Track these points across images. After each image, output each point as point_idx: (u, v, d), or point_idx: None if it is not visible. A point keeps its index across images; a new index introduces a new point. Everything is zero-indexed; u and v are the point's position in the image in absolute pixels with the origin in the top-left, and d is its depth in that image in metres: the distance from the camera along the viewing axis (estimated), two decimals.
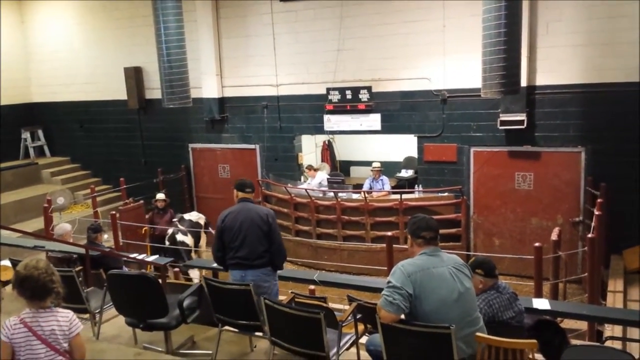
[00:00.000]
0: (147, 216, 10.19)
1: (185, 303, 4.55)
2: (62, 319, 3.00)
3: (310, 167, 11.35)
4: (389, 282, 3.53)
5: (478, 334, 3.50)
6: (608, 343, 4.29)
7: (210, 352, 4.65)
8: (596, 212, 7.51)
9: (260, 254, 4.79)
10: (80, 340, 3.03)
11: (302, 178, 11.66)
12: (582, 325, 6.06)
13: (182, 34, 9.51)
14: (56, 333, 2.95)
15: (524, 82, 8.68)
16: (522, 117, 9.15)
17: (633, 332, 5.50)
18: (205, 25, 11.61)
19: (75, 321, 3.04)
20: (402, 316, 3.49)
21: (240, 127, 12.01)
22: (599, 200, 7.96)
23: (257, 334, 4.69)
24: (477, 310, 3.74)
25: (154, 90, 12.16)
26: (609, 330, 5.84)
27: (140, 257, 6.95)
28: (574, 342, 5.22)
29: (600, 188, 8.45)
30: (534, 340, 3.38)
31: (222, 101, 11.98)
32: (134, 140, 13.15)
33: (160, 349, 4.79)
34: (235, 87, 11.85)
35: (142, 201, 11.03)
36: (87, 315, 4.99)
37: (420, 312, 3.48)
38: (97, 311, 4.98)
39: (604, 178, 8.64)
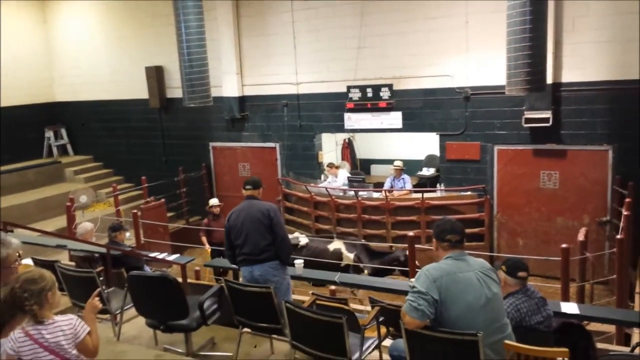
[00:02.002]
0: (204, 222, 9.55)
1: (206, 304, 4.52)
2: (67, 327, 2.92)
3: (331, 165, 11.27)
4: (413, 287, 3.44)
5: (506, 341, 3.40)
6: (638, 350, 4.12)
7: (230, 354, 4.61)
8: (624, 212, 7.31)
9: (264, 248, 4.82)
10: (88, 342, 2.97)
11: (322, 177, 11.59)
12: (609, 328, 5.88)
13: (202, 32, 9.49)
14: (62, 344, 2.88)
15: (549, 79, 8.49)
16: (547, 114, 8.96)
17: None
18: (225, 24, 11.60)
19: (79, 325, 2.96)
20: (427, 322, 3.41)
21: (260, 126, 11.99)
22: (627, 199, 7.74)
23: (277, 336, 4.63)
24: (505, 316, 3.63)
25: (175, 89, 12.21)
26: (637, 333, 5.66)
27: (162, 256, 6.95)
28: (601, 345, 5.08)
29: (628, 187, 8.23)
30: (566, 349, 3.26)
31: (243, 100, 11.97)
32: (155, 139, 13.22)
33: (180, 351, 4.77)
34: (255, 86, 11.83)
35: (163, 200, 11.08)
36: (107, 316, 4.98)
37: (446, 318, 3.38)
38: (117, 312, 4.97)
39: (632, 177, 8.40)
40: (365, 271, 8.05)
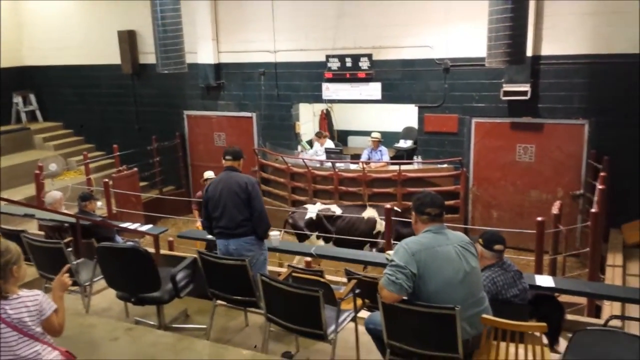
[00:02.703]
0: (197, 194, 8.78)
1: (179, 277, 4.41)
2: (32, 304, 2.77)
3: (320, 134, 11.14)
4: (392, 260, 3.39)
5: (484, 315, 3.38)
6: (611, 322, 4.18)
7: (204, 326, 4.53)
8: (599, 186, 7.36)
9: (240, 222, 4.69)
10: (54, 320, 2.83)
11: (299, 147, 11.45)
12: (581, 300, 5.98)
13: None
14: (25, 320, 2.74)
15: (529, 52, 8.42)
16: (526, 87, 8.94)
17: (632, 309, 5.41)
18: None
19: (45, 302, 2.81)
20: (405, 296, 3.37)
21: (236, 95, 11.73)
22: (602, 173, 7.80)
23: (252, 309, 4.56)
24: (482, 290, 3.62)
25: (148, 54, 11.82)
26: (608, 305, 5.76)
27: (134, 226, 6.78)
28: (572, 317, 5.16)
29: (604, 162, 8.30)
30: (543, 324, 3.26)
31: (218, 67, 11.67)
32: (127, 106, 12.86)
33: (152, 323, 4.67)
34: (231, 53, 11.53)
35: (135, 169, 10.83)
36: (76, 288, 4.84)
37: (424, 292, 3.35)
38: (87, 284, 4.83)
39: (607, 151, 8.47)
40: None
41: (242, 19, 11.28)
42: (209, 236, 5.34)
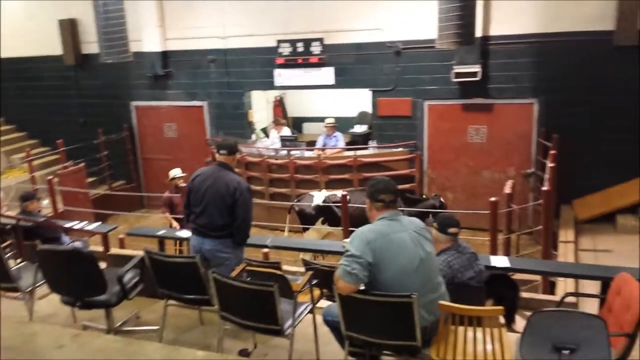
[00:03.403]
0: (165, 195, 8.05)
1: (126, 277, 4.20)
2: None
3: (277, 121, 10.92)
4: (347, 250, 3.31)
5: (441, 301, 3.35)
6: (567, 299, 4.23)
7: (156, 327, 4.35)
8: (549, 164, 7.49)
9: (220, 226, 4.41)
10: None
11: (254, 136, 11.23)
12: (535, 277, 6.07)
13: None
14: None
15: (478, 33, 8.45)
16: (476, 68, 8.98)
17: (585, 284, 5.54)
18: None
19: None
20: (362, 286, 3.29)
21: (186, 83, 11.39)
22: (551, 151, 7.94)
23: (206, 307, 4.41)
24: (439, 275, 3.58)
25: (91, 44, 11.27)
26: (562, 282, 5.88)
27: (80, 225, 6.49)
28: (527, 295, 5.23)
29: (553, 139, 8.45)
30: (501, 307, 3.25)
31: (165, 55, 11.28)
32: (71, 99, 12.30)
33: (102, 327, 4.46)
34: (179, 40, 11.16)
35: (82, 164, 10.40)
36: (18, 294, 4.56)
37: (380, 280, 3.30)
38: (29, 289, 4.55)
39: (556, 129, 8.62)
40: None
41: (189, 4, 10.92)
42: (161, 232, 5.15)
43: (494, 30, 8.99)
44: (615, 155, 8.50)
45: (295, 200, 8.45)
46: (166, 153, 11.44)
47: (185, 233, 5.59)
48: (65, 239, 6.13)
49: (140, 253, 4.46)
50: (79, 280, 4.06)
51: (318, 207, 7.98)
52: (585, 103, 8.60)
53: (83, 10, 11.10)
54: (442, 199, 8.03)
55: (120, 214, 9.84)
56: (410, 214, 7.64)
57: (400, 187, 8.38)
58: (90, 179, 10.98)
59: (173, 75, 11.39)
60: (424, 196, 8.34)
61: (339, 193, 7.91)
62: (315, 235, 7.91)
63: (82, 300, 4.11)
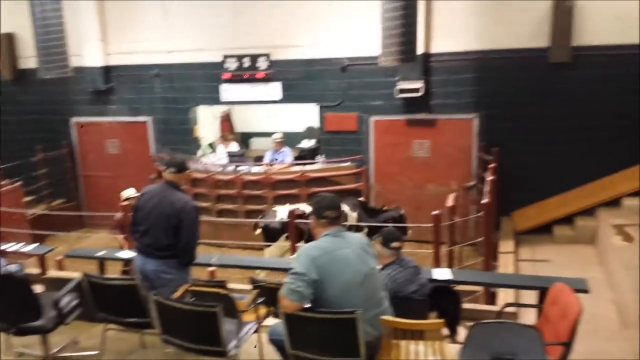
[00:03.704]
0: (116, 217, 7.55)
1: (63, 302, 4.04)
2: None
3: (225, 136, 10.78)
4: (292, 268, 3.31)
5: (384, 316, 3.39)
6: (506, 309, 4.37)
7: (96, 352, 4.20)
8: (489, 177, 7.74)
9: (164, 247, 4.30)
10: None
11: (200, 151, 11.09)
12: (477, 287, 6.24)
13: None
14: None
15: (420, 50, 8.68)
16: (418, 84, 9.21)
17: (524, 294, 5.73)
18: None
19: None
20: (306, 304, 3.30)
21: (129, 98, 11.13)
22: (491, 165, 8.21)
23: (148, 330, 4.28)
24: (382, 290, 3.63)
25: (29, 59, 10.87)
26: (503, 292, 6.06)
27: (16, 247, 6.21)
28: (469, 305, 5.37)
29: (493, 153, 8.74)
30: (441, 321, 3.32)
31: (107, 70, 11.02)
32: (7, 116, 11.74)
33: (38, 354, 4.26)
34: (122, 55, 10.91)
35: (19, 183, 9.96)
36: None
37: (325, 297, 3.32)
38: None
39: (495, 143, 8.93)
40: (365, 229, 7.85)
41: (132, 18, 10.73)
42: (101, 253, 5.00)
43: (435, 48, 9.26)
44: (551, 167, 8.87)
45: (259, 217, 8.35)
46: (108, 170, 11.13)
47: (128, 254, 5.44)
48: (2, 261, 5.82)
49: (78, 275, 4.30)
50: (13, 306, 3.87)
51: (282, 223, 7.89)
52: (523, 118, 8.95)
53: (21, 24, 10.71)
54: (401, 211, 8.19)
55: (60, 234, 9.46)
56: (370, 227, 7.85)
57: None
58: (27, 198, 10.52)
59: (116, 90, 11.13)
60: (384, 208, 8.48)
61: (303, 207, 7.92)
62: (277, 251, 7.75)
63: (16, 326, 3.92)
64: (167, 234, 4.29)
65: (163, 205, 4.32)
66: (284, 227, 7.80)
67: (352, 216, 8.04)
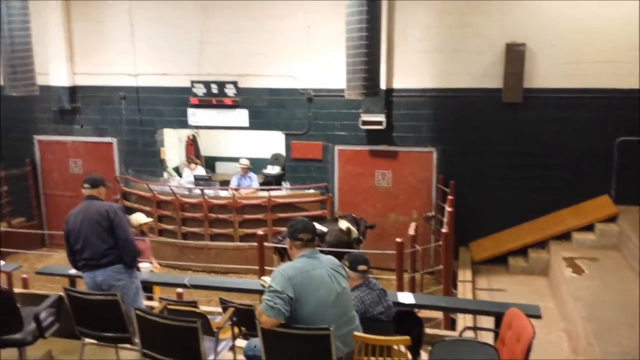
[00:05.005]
0: None
1: (42, 315, 4.12)
2: None
3: (191, 160, 10.88)
4: (270, 286, 3.52)
5: (355, 333, 3.63)
6: (465, 333, 4.68)
7: None
8: (447, 208, 8.16)
9: (104, 252, 4.56)
10: None
11: (165, 174, 11.16)
12: (437, 314, 6.56)
13: (26, 14, 8.72)
14: None
15: (383, 85, 9.13)
16: (381, 117, 9.62)
17: (482, 320, 6.08)
18: (53, 7, 10.58)
19: None
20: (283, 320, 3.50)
21: (94, 119, 11.14)
22: (449, 197, 8.64)
23: (124, 345, 4.39)
24: (353, 309, 3.88)
25: None
26: (462, 318, 6.38)
27: None
28: (430, 330, 5.66)
29: (450, 185, 9.18)
30: (407, 337, 3.59)
31: (74, 90, 11.03)
32: None
33: None
34: (89, 75, 10.96)
35: None
36: None
37: (300, 314, 3.52)
38: None
39: (452, 176, 9.37)
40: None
41: (99, 40, 10.82)
42: (72, 271, 5.08)
43: (397, 84, 9.70)
44: (505, 201, 9.32)
45: (278, 238, 8.40)
46: (71, 190, 11.02)
47: None
48: None
49: (49, 292, 4.39)
50: None
51: None
52: (478, 153, 9.45)
53: None
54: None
55: (21, 252, 9.32)
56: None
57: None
58: None
59: (81, 110, 11.13)
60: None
61: (319, 226, 8.06)
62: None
63: None
64: (103, 238, 4.57)
65: (90, 215, 4.61)
66: None
67: (355, 232, 8.49)
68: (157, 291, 6.32)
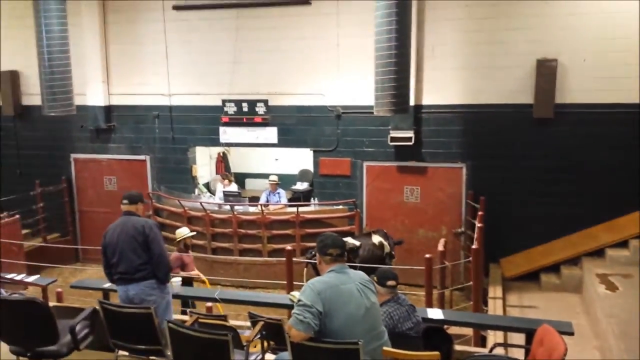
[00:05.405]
0: (174, 256, 7.34)
1: (78, 328, 4.23)
2: None
3: (225, 177, 11.08)
4: (299, 300, 3.55)
5: (384, 347, 3.62)
6: (495, 350, 4.62)
7: None
8: (477, 224, 8.08)
9: (138, 267, 4.69)
10: None
11: (197, 191, 11.36)
12: (467, 331, 6.47)
13: (65, 37, 9.07)
14: None
15: (411, 102, 9.14)
16: (410, 134, 9.65)
17: (513, 336, 5.98)
18: (90, 30, 10.99)
19: None
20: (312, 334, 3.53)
21: (128, 137, 11.46)
22: (479, 212, 8.57)
23: (156, 358, 4.47)
24: (382, 324, 3.88)
25: (32, 96, 11.25)
26: (492, 335, 6.30)
27: (19, 277, 6.36)
28: (460, 347, 5.58)
29: (480, 201, 9.11)
30: (437, 353, 3.57)
31: (109, 109, 11.38)
32: (9, 150, 12.01)
33: None
34: (124, 95, 11.31)
35: (17, 215, 10.12)
36: None
37: (329, 329, 3.53)
38: None
39: (482, 192, 9.30)
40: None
41: (135, 62, 11.17)
42: (106, 285, 5.21)
43: (426, 100, 9.74)
44: (536, 217, 9.21)
45: (311, 252, 8.46)
46: (106, 206, 11.31)
47: None
48: (2, 291, 5.95)
49: (83, 306, 4.51)
50: (31, 330, 4.06)
51: None
52: (509, 168, 9.38)
53: (25, 62, 11.13)
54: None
55: (55, 266, 9.58)
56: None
57: None
58: (24, 231, 10.66)
59: (116, 129, 11.46)
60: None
61: (350, 240, 8.27)
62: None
63: (32, 350, 4.10)
64: (138, 253, 4.70)
65: (127, 230, 4.76)
66: None
67: (387, 246, 8.51)
68: (220, 308, 6.35)
